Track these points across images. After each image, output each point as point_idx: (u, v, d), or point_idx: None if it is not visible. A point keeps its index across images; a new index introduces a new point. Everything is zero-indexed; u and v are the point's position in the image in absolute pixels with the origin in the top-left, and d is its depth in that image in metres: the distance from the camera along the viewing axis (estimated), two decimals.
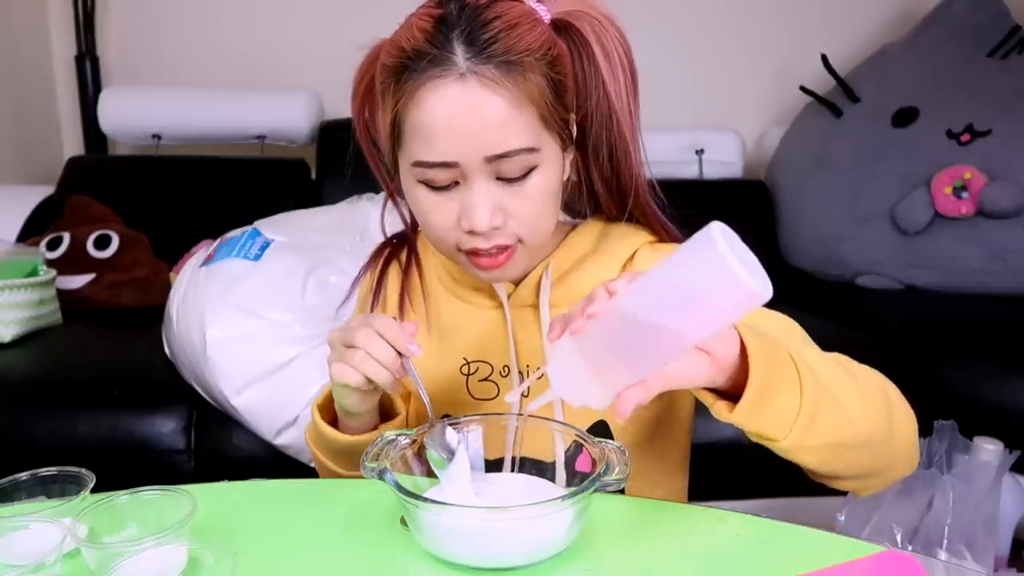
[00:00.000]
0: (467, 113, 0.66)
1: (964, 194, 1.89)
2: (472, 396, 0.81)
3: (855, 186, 2.05)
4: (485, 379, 0.81)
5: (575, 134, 0.76)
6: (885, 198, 2.00)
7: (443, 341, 0.83)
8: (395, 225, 0.91)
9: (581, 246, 0.82)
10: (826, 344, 0.73)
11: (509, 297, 0.81)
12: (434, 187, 0.71)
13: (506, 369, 0.81)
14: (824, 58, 2.22)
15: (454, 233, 0.72)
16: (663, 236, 0.83)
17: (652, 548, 0.62)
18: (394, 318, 0.70)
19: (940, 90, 2.07)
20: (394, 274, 0.88)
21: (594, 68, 0.73)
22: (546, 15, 0.72)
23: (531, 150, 0.69)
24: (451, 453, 0.66)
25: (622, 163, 0.78)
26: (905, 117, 2.06)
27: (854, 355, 0.69)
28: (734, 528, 0.65)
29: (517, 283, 0.81)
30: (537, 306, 0.80)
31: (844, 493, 1.34)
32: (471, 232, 0.71)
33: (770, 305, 0.80)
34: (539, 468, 0.69)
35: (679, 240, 0.83)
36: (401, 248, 0.90)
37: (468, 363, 0.82)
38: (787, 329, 0.77)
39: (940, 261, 1.94)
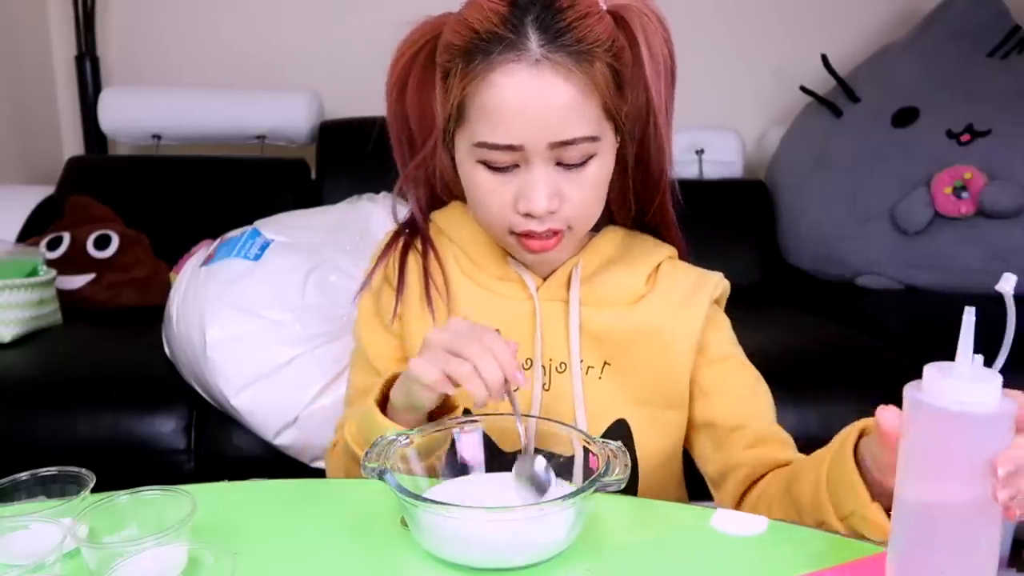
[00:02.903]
0: (538, 99, 0.68)
1: (964, 194, 1.89)
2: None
3: (855, 186, 2.05)
4: None
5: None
6: (885, 198, 2.00)
7: None
8: (395, 216, 0.91)
9: (605, 251, 0.84)
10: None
11: (537, 290, 0.82)
12: (493, 168, 0.73)
13: (529, 362, 0.81)
14: (824, 58, 2.22)
15: (508, 215, 0.74)
16: (676, 241, 0.87)
17: (652, 548, 0.62)
18: (497, 330, 0.69)
19: (940, 90, 2.07)
20: (413, 262, 0.87)
21: (638, 63, 0.74)
22: (603, 4, 0.73)
23: (593, 139, 0.71)
24: (541, 485, 0.64)
25: (652, 160, 0.80)
26: (905, 117, 2.06)
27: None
28: (734, 528, 0.65)
29: (544, 278, 0.83)
30: (563, 300, 0.81)
31: None
32: (527, 215, 0.73)
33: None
34: (557, 462, 0.68)
35: (679, 246, 0.87)
36: (414, 236, 0.89)
37: None
38: (752, 386, 0.82)
39: (940, 261, 1.94)
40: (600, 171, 0.74)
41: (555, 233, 0.74)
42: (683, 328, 0.81)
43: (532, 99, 0.68)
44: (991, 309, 0.53)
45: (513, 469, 0.65)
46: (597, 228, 0.85)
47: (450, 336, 0.67)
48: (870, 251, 2.02)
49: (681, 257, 0.88)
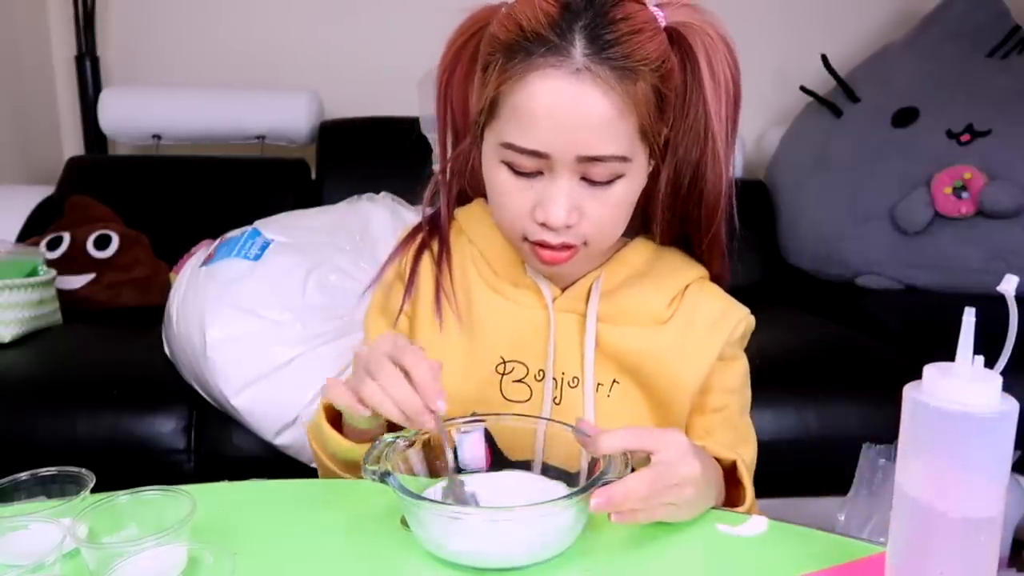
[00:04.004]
0: (573, 108, 0.66)
1: (964, 194, 1.89)
2: (504, 396, 0.79)
3: (855, 186, 2.05)
4: (519, 380, 0.79)
5: (663, 148, 0.74)
6: (885, 198, 2.00)
7: (476, 336, 0.81)
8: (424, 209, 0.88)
9: (631, 264, 0.81)
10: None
11: (554, 300, 0.80)
12: (516, 171, 0.70)
13: (541, 373, 0.79)
14: (824, 58, 2.22)
15: (524, 220, 0.72)
16: (717, 268, 0.83)
17: (652, 548, 0.62)
18: (422, 348, 0.65)
19: (940, 90, 2.07)
20: (427, 263, 0.84)
21: (697, 84, 0.72)
22: (662, 21, 0.70)
23: (624, 159, 0.69)
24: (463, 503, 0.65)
25: (709, 187, 0.76)
26: (905, 117, 2.06)
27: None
28: (734, 528, 0.65)
29: (563, 288, 0.80)
30: (580, 313, 0.79)
31: (844, 493, 1.34)
32: (543, 224, 0.70)
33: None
34: (564, 477, 0.68)
35: (723, 277, 0.84)
36: (433, 236, 0.86)
37: (504, 362, 0.80)
38: (731, 446, 0.79)
39: (940, 261, 1.94)
40: (626, 192, 0.71)
41: (568, 247, 0.72)
42: (693, 366, 0.79)
43: (566, 108, 0.66)
44: (991, 309, 0.53)
45: (442, 491, 0.65)
46: (627, 235, 0.81)
47: (370, 357, 0.64)
48: (870, 251, 2.02)
49: (715, 280, 0.84)
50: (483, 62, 0.72)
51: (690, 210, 0.79)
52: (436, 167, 0.85)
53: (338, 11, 2.40)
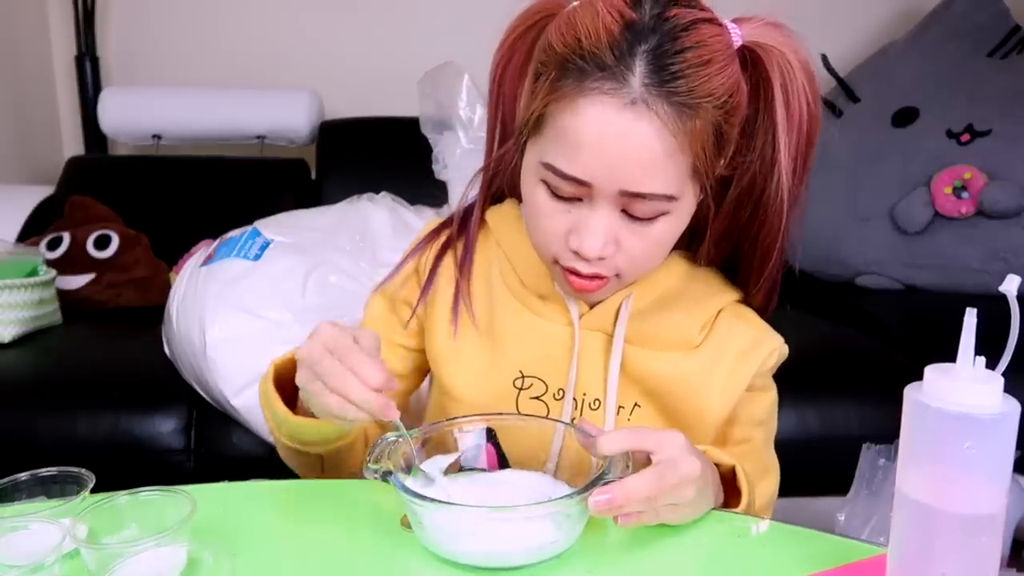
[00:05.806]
0: (622, 142, 0.61)
1: (964, 194, 1.89)
2: (520, 412, 0.77)
3: (855, 186, 2.05)
4: (536, 398, 0.77)
5: (717, 181, 0.69)
6: (885, 198, 2.00)
7: (497, 347, 0.78)
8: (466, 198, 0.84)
9: (664, 284, 0.77)
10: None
11: (581, 318, 0.76)
12: (556, 194, 0.67)
13: (560, 392, 0.76)
14: (824, 58, 2.22)
15: (558, 244, 0.69)
16: (761, 302, 0.80)
17: (652, 548, 0.62)
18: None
19: (940, 90, 2.07)
20: (448, 264, 0.81)
21: (769, 113, 0.67)
22: (738, 39, 0.65)
23: (670, 198, 0.65)
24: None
25: (767, 224, 0.71)
26: (905, 117, 2.06)
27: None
28: (734, 529, 0.65)
29: (591, 305, 0.77)
30: (607, 333, 0.76)
31: (844, 493, 1.34)
32: (576, 252, 0.67)
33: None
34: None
35: (764, 309, 0.80)
36: (460, 236, 0.82)
37: (523, 377, 0.77)
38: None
39: (940, 261, 1.94)
40: (668, 230, 0.68)
41: (600, 278, 0.69)
42: (721, 396, 0.76)
43: (615, 141, 0.61)
44: (991, 309, 0.53)
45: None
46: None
47: (310, 356, 0.61)
48: (870, 251, 2.02)
49: (758, 311, 0.80)
50: (535, 69, 0.67)
51: (744, 245, 0.75)
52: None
53: (338, 11, 2.40)
